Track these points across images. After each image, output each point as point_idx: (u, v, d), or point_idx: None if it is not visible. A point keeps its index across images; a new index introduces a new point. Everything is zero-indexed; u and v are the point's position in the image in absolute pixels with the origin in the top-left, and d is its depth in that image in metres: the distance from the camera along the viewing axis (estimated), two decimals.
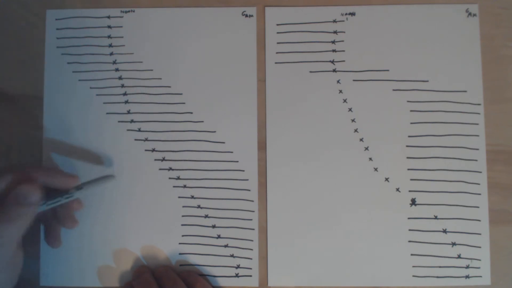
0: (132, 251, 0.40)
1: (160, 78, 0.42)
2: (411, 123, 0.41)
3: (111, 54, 0.42)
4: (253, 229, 0.40)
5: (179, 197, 0.41)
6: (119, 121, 0.42)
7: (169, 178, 0.41)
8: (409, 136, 0.41)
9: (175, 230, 0.41)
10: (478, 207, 0.40)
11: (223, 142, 0.41)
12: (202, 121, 0.42)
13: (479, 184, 0.40)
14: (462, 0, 0.42)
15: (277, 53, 0.42)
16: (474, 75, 0.41)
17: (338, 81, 0.42)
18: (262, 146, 0.41)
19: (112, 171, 0.41)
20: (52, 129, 0.42)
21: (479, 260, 0.40)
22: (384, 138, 0.41)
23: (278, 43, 0.42)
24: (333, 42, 0.42)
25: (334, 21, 0.42)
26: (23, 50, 0.43)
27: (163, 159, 0.41)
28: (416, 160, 0.41)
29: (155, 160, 0.41)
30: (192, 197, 0.41)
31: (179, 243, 0.40)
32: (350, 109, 0.41)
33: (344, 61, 0.42)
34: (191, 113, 0.42)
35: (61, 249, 0.40)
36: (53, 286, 0.40)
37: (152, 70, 0.42)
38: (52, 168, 0.41)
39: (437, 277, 0.39)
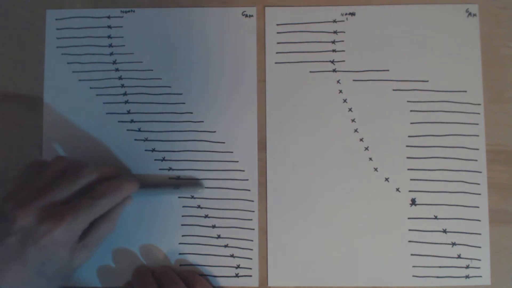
0: (132, 251, 0.40)
1: (160, 78, 0.42)
2: (411, 123, 0.41)
3: (111, 54, 0.42)
4: (253, 229, 0.40)
5: (179, 197, 0.41)
6: (119, 121, 0.42)
7: (169, 178, 0.41)
8: (409, 136, 0.41)
9: (175, 230, 0.41)
10: (478, 207, 0.40)
11: (223, 142, 0.41)
12: (202, 121, 0.42)
13: (479, 184, 0.40)
14: (462, 0, 0.42)
15: (277, 53, 0.42)
16: (474, 75, 0.41)
17: (338, 81, 0.42)
18: (262, 146, 0.41)
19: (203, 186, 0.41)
20: (52, 129, 0.42)
21: (479, 260, 0.40)
22: (384, 138, 0.41)
23: (278, 43, 0.42)
24: (333, 42, 0.42)
25: (334, 21, 0.42)
26: (23, 50, 0.43)
27: (163, 159, 0.41)
28: (416, 160, 0.41)
29: (155, 160, 0.41)
30: (192, 197, 0.41)
31: (179, 243, 0.40)
32: (350, 109, 0.41)
33: (344, 61, 0.42)
34: (191, 113, 0.42)
35: None
36: None
37: (152, 70, 0.42)
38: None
39: (437, 277, 0.39)
